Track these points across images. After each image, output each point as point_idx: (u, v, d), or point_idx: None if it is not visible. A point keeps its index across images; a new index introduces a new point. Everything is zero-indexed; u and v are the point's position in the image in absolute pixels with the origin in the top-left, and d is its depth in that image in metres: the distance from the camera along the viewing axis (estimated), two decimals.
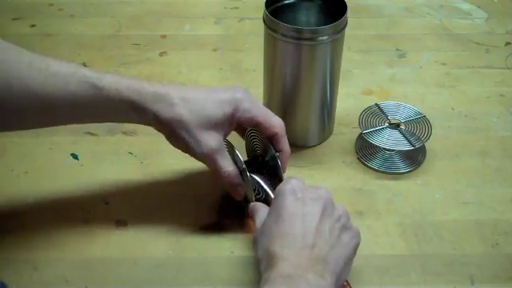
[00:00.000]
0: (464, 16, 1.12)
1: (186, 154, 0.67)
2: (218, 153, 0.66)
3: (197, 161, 0.67)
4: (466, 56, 1.01)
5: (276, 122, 0.68)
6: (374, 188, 0.76)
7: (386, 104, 0.83)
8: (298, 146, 0.80)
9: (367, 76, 0.96)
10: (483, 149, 0.82)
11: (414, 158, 0.80)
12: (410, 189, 0.76)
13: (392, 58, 1.00)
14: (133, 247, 0.69)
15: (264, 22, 0.75)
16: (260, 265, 0.57)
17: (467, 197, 0.75)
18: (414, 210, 0.73)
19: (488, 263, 0.67)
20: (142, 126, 0.67)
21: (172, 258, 0.67)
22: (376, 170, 0.79)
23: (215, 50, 1.02)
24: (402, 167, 0.79)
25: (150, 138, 0.71)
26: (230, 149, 0.68)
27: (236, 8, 1.13)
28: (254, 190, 0.69)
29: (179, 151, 0.68)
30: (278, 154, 0.69)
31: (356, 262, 0.60)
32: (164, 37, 1.04)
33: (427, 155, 0.81)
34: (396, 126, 0.80)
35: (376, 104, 0.83)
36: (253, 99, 0.68)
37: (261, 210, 0.64)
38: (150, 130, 0.67)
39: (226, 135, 0.68)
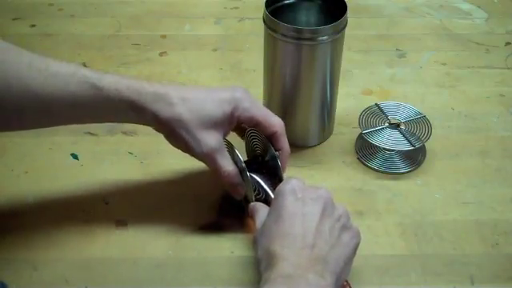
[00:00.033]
0: (464, 16, 1.12)
1: (186, 154, 0.67)
2: (218, 152, 0.66)
3: (197, 161, 0.67)
4: (466, 56, 1.01)
5: (276, 122, 0.69)
6: (374, 188, 0.76)
7: (385, 104, 0.83)
8: (297, 146, 0.80)
9: (367, 76, 0.96)
10: (483, 149, 0.82)
11: (414, 158, 0.80)
12: (409, 189, 0.76)
13: (392, 58, 1.00)
14: (133, 247, 0.69)
15: (264, 22, 0.75)
16: (260, 265, 0.57)
17: (467, 197, 0.75)
18: (414, 210, 0.73)
19: (488, 263, 0.67)
20: (142, 126, 0.67)
21: (172, 258, 0.67)
22: (376, 170, 0.79)
23: (215, 50, 1.02)
24: (402, 167, 0.79)
25: (150, 138, 0.71)
26: (230, 149, 0.68)
27: (236, 8, 1.13)
28: (254, 190, 0.69)
29: (179, 151, 0.68)
30: (277, 153, 0.69)
31: (356, 262, 0.60)
32: (164, 37, 1.05)
33: (427, 155, 0.81)
34: (396, 126, 0.80)
35: (376, 104, 0.83)
36: (252, 99, 0.68)
37: (261, 210, 0.64)
38: (150, 130, 0.67)
39: (225, 135, 0.68)
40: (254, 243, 0.60)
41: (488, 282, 0.65)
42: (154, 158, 0.80)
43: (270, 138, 0.69)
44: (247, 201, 0.69)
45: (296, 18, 0.80)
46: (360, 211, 0.73)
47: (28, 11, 1.10)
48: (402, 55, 1.01)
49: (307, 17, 0.81)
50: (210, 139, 0.65)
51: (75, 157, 0.80)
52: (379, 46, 1.03)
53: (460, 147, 0.83)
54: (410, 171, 0.79)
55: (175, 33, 1.06)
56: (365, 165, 0.80)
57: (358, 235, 0.60)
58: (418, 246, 0.69)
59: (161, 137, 0.67)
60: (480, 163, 0.80)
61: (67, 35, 1.04)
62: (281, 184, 0.62)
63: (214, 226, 0.71)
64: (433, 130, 0.79)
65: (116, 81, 0.63)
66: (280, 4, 0.79)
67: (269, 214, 0.61)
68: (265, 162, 0.71)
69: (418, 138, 0.77)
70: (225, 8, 1.13)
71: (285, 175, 0.70)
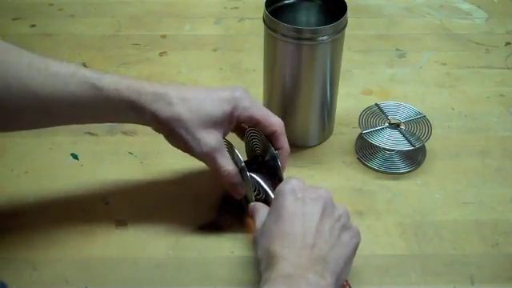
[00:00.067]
0: (464, 16, 1.12)
1: (186, 154, 0.67)
2: (218, 151, 0.66)
3: (197, 161, 0.67)
4: (466, 56, 1.01)
5: (275, 121, 0.69)
6: (374, 188, 0.76)
7: (385, 104, 0.83)
8: (298, 146, 0.80)
9: (367, 76, 0.96)
10: (483, 149, 0.82)
11: (414, 158, 0.80)
12: (409, 189, 0.76)
13: (392, 57, 1.00)
14: (133, 247, 0.69)
15: (264, 22, 0.75)
16: (260, 265, 0.57)
17: (467, 197, 0.75)
18: (414, 210, 0.73)
19: (488, 263, 0.67)
20: (142, 126, 0.67)
21: (172, 258, 0.67)
22: (376, 170, 0.79)
23: (215, 50, 1.02)
24: (402, 167, 0.79)
25: (150, 138, 0.71)
26: (230, 148, 0.68)
27: (236, 8, 1.13)
28: (254, 190, 0.69)
29: (179, 151, 0.68)
30: (277, 152, 0.69)
31: (356, 261, 0.60)
32: (164, 37, 1.04)
33: (427, 155, 0.81)
34: (396, 126, 0.80)
35: (376, 104, 0.83)
36: (252, 98, 0.68)
37: (261, 210, 0.64)
38: (150, 129, 0.67)
39: (225, 134, 0.68)
40: (254, 243, 0.60)
41: (488, 282, 0.65)
42: (154, 158, 0.80)
43: (270, 138, 0.69)
44: (247, 201, 0.69)
45: (296, 18, 0.80)
46: (360, 211, 0.73)
47: (28, 11, 1.10)
48: (401, 55, 1.01)
49: (307, 17, 0.81)
50: (210, 138, 0.65)
51: (75, 157, 0.80)
52: (379, 45, 1.03)
53: (460, 147, 0.83)
54: (410, 171, 0.79)
55: (175, 33, 1.06)
56: (365, 165, 0.80)
57: (357, 235, 0.60)
58: (418, 246, 0.69)
59: (161, 137, 0.68)
60: (480, 163, 0.80)
61: (67, 35, 1.04)
62: (281, 184, 0.62)
63: (213, 225, 0.71)
64: (433, 130, 0.79)
65: (116, 81, 0.63)
66: (280, 4, 0.79)
67: (269, 214, 0.61)
68: (265, 161, 0.71)
69: (418, 138, 0.77)
70: (225, 8, 1.13)
71: (285, 175, 0.70)
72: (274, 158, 0.69)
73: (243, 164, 0.68)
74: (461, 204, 0.74)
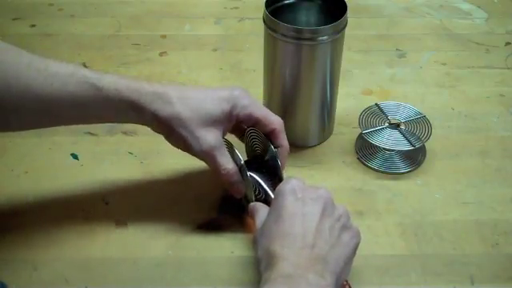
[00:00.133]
0: (464, 16, 1.12)
1: (186, 154, 0.68)
2: (217, 150, 0.66)
3: (197, 160, 0.68)
4: (466, 56, 1.01)
5: (275, 119, 0.69)
6: (374, 188, 0.76)
7: (386, 104, 0.83)
8: (297, 146, 0.80)
9: (367, 76, 0.96)
10: (483, 149, 0.82)
11: (414, 158, 0.80)
12: (409, 189, 0.76)
13: (392, 57, 1.00)
14: (133, 247, 0.69)
15: (264, 22, 0.75)
16: (260, 265, 0.57)
17: (467, 197, 0.75)
18: (414, 210, 0.73)
19: (488, 263, 0.67)
20: (142, 126, 0.67)
21: (172, 258, 0.67)
22: (376, 170, 0.79)
23: (215, 50, 1.02)
24: (402, 167, 0.79)
25: (150, 138, 0.71)
26: (230, 148, 0.69)
27: (236, 8, 1.13)
28: (255, 191, 0.69)
29: (179, 151, 0.68)
30: (276, 150, 0.69)
31: (356, 261, 0.60)
32: (164, 37, 1.05)
33: (427, 155, 0.81)
34: (396, 126, 0.80)
35: (376, 104, 0.83)
36: (251, 97, 0.68)
37: (261, 210, 0.64)
38: (150, 129, 0.67)
39: (224, 133, 0.68)
40: (254, 243, 0.60)
41: (488, 282, 0.65)
42: (154, 158, 0.80)
43: (269, 136, 0.69)
44: (247, 200, 0.69)
45: (296, 18, 0.80)
46: (360, 211, 0.73)
47: (28, 11, 1.10)
48: (401, 55, 1.01)
49: (307, 17, 0.81)
50: (210, 137, 0.65)
51: (75, 157, 0.80)
52: (379, 45, 1.03)
53: (460, 147, 0.83)
54: (410, 171, 0.79)
55: (175, 33, 1.06)
56: (365, 165, 0.80)
57: (358, 235, 0.60)
58: (418, 246, 0.69)
59: (161, 137, 0.68)
60: (480, 163, 0.80)
61: (67, 35, 1.04)
62: (281, 184, 0.62)
63: (213, 225, 0.71)
64: (433, 130, 0.79)
65: (115, 81, 0.63)
66: (280, 4, 0.79)
67: (269, 214, 0.61)
68: (265, 161, 0.71)
69: (418, 138, 0.77)
70: (225, 8, 1.13)
71: (285, 175, 0.70)
72: (274, 158, 0.69)
73: (242, 162, 0.68)
74: (461, 204, 0.74)
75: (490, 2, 1.16)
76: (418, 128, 0.79)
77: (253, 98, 0.68)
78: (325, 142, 0.83)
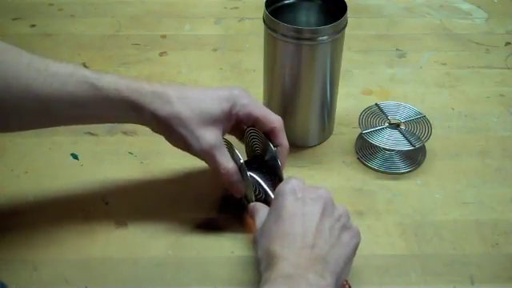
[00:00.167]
0: (464, 16, 1.12)
1: (186, 154, 0.67)
2: (217, 149, 0.66)
3: (197, 160, 0.68)
4: (466, 56, 1.01)
5: (274, 118, 0.69)
6: (374, 188, 0.76)
7: (386, 104, 0.83)
8: (297, 146, 0.80)
9: (367, 76, 0.96)
10: (483, 149, 0.82)
11: (414, 158, 0.80)
12: (409, 189, 0.76)
13: (392, 58, 1.00)
14: (133, 247, 0.69)
15: (264, 22, 0.75)
16: (260, 265, 0.57)
17: (467, 197, 0.75)
18: (414, 210, 0.73)
19: (488, 263, 0.67)
20: (142, 126, 0.67)
21: (172, 258, 0.67)
22: (376, 170, 0.79)
23: (215, 50, 1.02)
24: (402, 167, 0.79)
25: (150, 138, 0.71)
26: (230, 148, 0.69)
27: (236, 8, 1.13)
28: (255, 191, 0.69)
29: (179, 151, 0.68)
30: (276, 149, 0.69)
31: (356, 261, 0.60)
32: (164, 37, 1.05)
33: (427, 155, 0.81)
34: (396, 126, 0.80)
35: (376, 104, 0.83)
36: (251, 97, 0.68)
37: (261, 210, 0.64)
38: (150, 130, 0.67)
39: (224, 132, 0.68)
40: (254, 243, 0.60)
41: (488, 282, 0.65)
42: (153, 158, 0.80)
43: (269, 135, 0.69)
44: (247, 200, 0.69)
45: (296, 18, 0.80)
46: (360, 211, 0.73)
47: (28, 11, 1.10)
48: (402, 55, 1.01)
49: (307, 17, 0.81)
50: (209, 136, 0.65)
51: (75, 157, 0.80)
52: (379, 45, 1.03)
53: (460, 147, 0.83)
54: (410, 171, 0.79)
55: (175, 33, 1.06)
56: (365, 165, 0.80)
57: (358, 235, 0.60)
58: (418, 246, 0.69)
59: (161, 137, 0.68)
60: (480, 163, 0.80)
61: (67, 35, 1.04)
62: (281, 184, 0.62)
63: (213, 225, 0.71)
64: (433, 130, 0.79)
65: (115, 81, 0.63)
66: (280, 4, 0.79)
67: (269, 214, 0.61)
68: (264, 161, 0.71)
69: (418, 138, 0.77)
70: (225, 8, 1.13)
71: (285, 175, 0.70)
72: (274, 158, 0.69)
73: (242, 161, 0.68)
74: (461, 204, 0.74)
75: (490, 1, 1.16)
76: (417, 128, 0.79)
77: (252, 98, 0.68)
78: (325, 142, 0.83)
